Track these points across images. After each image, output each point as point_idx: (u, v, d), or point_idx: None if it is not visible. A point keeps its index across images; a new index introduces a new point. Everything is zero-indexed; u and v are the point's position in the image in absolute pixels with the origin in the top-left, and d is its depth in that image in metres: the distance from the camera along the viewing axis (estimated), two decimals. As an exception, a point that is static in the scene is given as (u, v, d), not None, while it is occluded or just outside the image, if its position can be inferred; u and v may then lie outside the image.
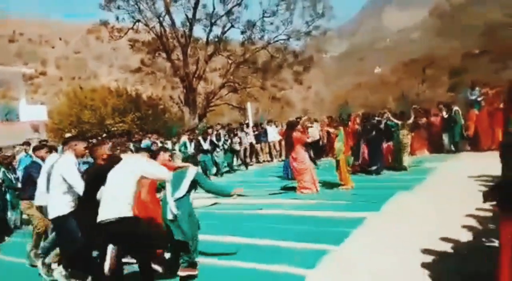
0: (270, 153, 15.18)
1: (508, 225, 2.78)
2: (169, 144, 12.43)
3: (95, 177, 4.04)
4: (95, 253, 4.21)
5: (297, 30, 23.47)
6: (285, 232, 5.52)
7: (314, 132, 13.74)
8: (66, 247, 4.34)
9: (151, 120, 25.00)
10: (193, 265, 4.16)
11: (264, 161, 15.01)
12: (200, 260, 4.39)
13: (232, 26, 23.12)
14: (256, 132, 15.10)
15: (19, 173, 7.75)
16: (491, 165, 7.39)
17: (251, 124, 16.21)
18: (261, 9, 23.04)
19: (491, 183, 6.86)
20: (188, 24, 22.44)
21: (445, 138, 12.00)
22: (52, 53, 77.83)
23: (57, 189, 4.26)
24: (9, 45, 74.01)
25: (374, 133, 9.82)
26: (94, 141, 10.47)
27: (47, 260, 4.75)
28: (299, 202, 7.51)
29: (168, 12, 21.80)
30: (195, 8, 21.92)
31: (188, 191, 4.32)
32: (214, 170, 12.73)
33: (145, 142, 12.22)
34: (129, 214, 3.48)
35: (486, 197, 3.08)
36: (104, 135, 18.75)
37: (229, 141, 13.45)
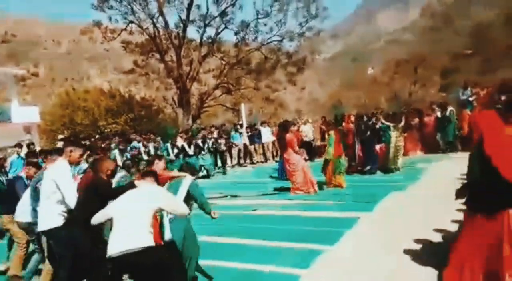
0: (264, 154, 15.21)
1: (469, 221, 3.12)
2: (151, 147, 12.36)
3: (93, 193, 3.79)
4: None
5: (291, 31, 23.55)
6: (279, 232, 5.55)
7: (308, 133, 13.82)
8: (63, 263, 3.92)
9: (145, 121, 24.93)
10: None
11: (258, 162, 15.02)
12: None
13: (226, 27, 23.13)
14: (250, 133, 15.12)
15: (10, 176, 7.69)
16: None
17: (244, 125, 16.23)
18: (255, 10, 23.06)
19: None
20: (181, 25, 22.41)
21: (439, 138, 12.10)
22: (45, 54, 77.27)
23: (49, 199, 3.92)
24: (1, 46, 73.37)
25: (368, 133, 9.89)
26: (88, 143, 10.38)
27: None
28: (293, 203, 7.54)
29: (161, 13, 21.74)
30: (188, 9, 21.89)
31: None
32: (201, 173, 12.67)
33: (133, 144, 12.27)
34: (152, 243, 3.20)
35: (457, 195, 3.26)
36: (97, 136, 18.72)
37: (212, 141, 13.37)
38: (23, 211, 4.73)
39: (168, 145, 12.54)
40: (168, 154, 11.89)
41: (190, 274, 3.95)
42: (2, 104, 24.02)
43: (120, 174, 5.54)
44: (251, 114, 28.51)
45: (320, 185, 8.63)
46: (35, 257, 4.76)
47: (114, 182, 4.86)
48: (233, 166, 14.73)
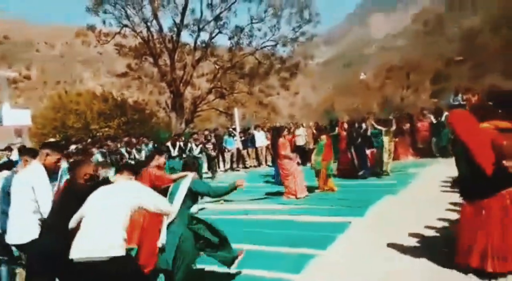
0: (257, 159, 15.22)
1: (466, 206, 3.65)
2: (133, 152, 12.24)
3: (69, 198, 3.34)
4: None
5: (285, 36, 23.69)
6: (271, 237, 5.57)
7: (301, 137, 13.88)
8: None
9: (138, 125, 24.86)
10: None
11: (250, 166, 15.04)
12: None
13: (220, 32, 23.20)
14: (243, 138, 15.14)
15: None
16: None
17: (238, 130, 16.25)
18: (249, 15, 23.17)
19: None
20: (175, 29, 22.43)
21: (434, 142, 12.23)
22: (37, 56, 76.80)
23: (24, 207, 3.42)
24: (-7, 48, 72.80)
25: (360, 139, 10.00)
26: (74, 147, 10.22)
27: None
28: (285, 207, 7.56)
29: (155, 17, 21.75)
30: (183, 13, 21.93)
31: (187, 206, 3.96)
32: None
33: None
34: (123, 252, 2.82)
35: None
36: (89, 140, 18.60)
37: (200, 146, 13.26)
38: None
39: (150, 146, 12.47)
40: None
41: (179, 276, 3.82)
42: (-7, 106, 23.78)
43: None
44: (244, 119, 28.54)
45: (313, 189, 8.68)
46: (2, 272, 4.28)
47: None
48: (226, 170, 14.72)
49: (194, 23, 22.76)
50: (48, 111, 26.44)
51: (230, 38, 23.66)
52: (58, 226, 3.15)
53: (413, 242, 4.69)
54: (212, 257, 4.07)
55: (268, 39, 23.52)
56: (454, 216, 5.44)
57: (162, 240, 3.81)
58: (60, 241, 2.98)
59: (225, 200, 8.80)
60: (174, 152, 12.26)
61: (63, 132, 23.48)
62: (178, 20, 22.09)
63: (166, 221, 3.86)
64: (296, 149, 12.13)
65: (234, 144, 14.83)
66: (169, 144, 12.44)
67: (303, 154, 13.22)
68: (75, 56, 77.34)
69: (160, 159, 4.50)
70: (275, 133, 8.88)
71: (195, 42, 23.17)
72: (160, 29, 22.25)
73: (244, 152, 15.05)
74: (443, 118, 12.08)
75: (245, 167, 14.96)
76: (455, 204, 5.99)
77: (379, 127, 10.27)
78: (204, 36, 23.64)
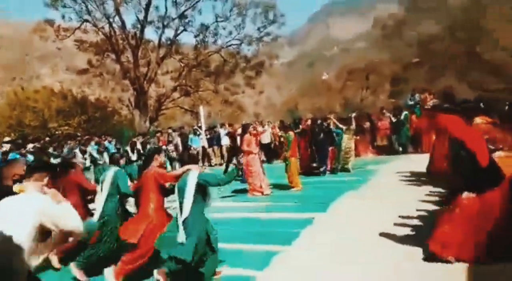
0: (222, 156, 15.25)
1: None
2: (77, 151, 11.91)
3: None
4: None
5: (250, 36, 23.88)
6: (235, 234, 5.63)
7: (266, 135, 14.05)
8: None
9: (99, 123, 24.15)
10: None
11: (216, 164, 15.05)
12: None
13: (185, 29, 23.01)
14: (209, 136, 15.13)
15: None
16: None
17: (203, 128, 16.19)
18: (214, 13, 23.14)
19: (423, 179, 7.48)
20: (139, 25, 22.03)
21: (394, 140, 12.75)
22: (-11, 51, 72.57)
23: None
24: None
25: (322, 136, 10.29)
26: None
27: None
28: (249, 205, 7.67)
29: (118, 12, 21.25)
30: (146, 9, 21.58)
31: (198, 201, 3.90)
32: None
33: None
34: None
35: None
36: (47, 138, 17.90)
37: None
38: None
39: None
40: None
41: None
42: None
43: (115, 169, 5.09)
44: (210, 117, 28.42)
45: (278, 186, 8.85)
46: None
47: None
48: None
49: (158, 20, 22.52)
50: (3, 108, 25.10)
51: (195, 36, 23.59)
52: None
53: (374, 235, 4.83)
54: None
55: (233, 38, 23.66)
56: (413, 210, 5.73)
57: (181, 238, 3.77)
58: None
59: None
60: (134, 156, 11.87)
61: (19, 131, 22.37)
62: (141, 16, 21.77)
63: (180, 219, 3.86)
64: (262, 146, 12.28)
65: (199, 142, 14.78)
66: (128, 148, 12.09)
67: (268, 151, 13.41)
68: (32, 52, 73.76)
69: (160, 158, 4.47)
70: (242, 130, 9.01)
71: (160, 39, 22.90)
72: (123, 25, 21.79)
73: (210, 150, 15.05)
74: (402, 117, 12.64)
75: (210, 165, 14.96)
76: (414, 198, 6.32)
77: (341, 126, 10.62)
78: (169, 33, 23.52)
